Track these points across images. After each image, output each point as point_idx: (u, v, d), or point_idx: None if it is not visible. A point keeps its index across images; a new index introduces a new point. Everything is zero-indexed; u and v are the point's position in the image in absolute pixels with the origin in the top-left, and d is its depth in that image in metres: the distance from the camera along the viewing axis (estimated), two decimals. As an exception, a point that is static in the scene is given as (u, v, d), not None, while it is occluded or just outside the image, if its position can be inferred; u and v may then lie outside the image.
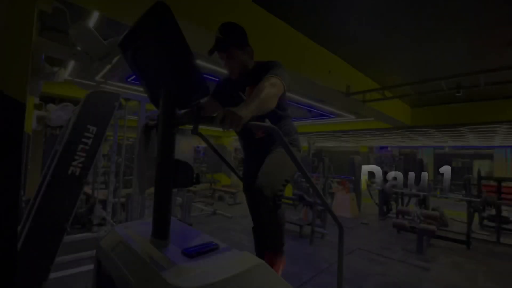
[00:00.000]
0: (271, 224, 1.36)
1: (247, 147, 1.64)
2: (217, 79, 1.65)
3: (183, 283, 0.69)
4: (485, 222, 5.92)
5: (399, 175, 6.36)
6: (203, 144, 17.12)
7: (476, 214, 5.63)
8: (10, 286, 0.88)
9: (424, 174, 5.58)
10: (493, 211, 5.44)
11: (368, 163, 15.49)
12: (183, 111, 1.31)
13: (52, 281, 2.60)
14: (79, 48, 1.71)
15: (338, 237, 1.34)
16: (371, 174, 6.47)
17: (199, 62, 3.63)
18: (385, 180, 7.39)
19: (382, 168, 7.18)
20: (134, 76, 4.54)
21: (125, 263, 0.87)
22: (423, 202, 5.64)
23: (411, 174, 5.74)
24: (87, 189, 5.04)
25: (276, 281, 0.87)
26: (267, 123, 1.04)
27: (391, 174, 6.58)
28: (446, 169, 5.37)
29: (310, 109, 6.73)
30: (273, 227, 1.37)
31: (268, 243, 1.42)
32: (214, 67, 3.79)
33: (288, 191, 8.90)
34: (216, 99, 1.60)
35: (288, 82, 1.35)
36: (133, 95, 3.85)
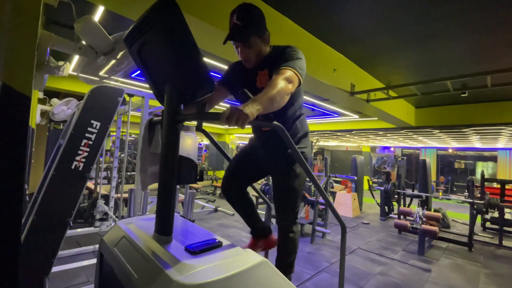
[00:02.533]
0: (287, 247, 1.50)
1: (256, 139, 1.59)
2: (220, 76, 1.61)
3: (186, 280, 0.69)
4: (488, 224, 5.89)
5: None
6: (206, 141, 17.15)
7: (479, 216, 5.60)
8: (13, 279, 0.88)
9: (427, 175, 5.55)
10: (496, 214, 5.41)
11: (370, 163, 15.45)
12: (187, 107, 1.30)
13: (55, 274, 2.63)
14: (84, 43, 1.70)
15: (341, 236, 1.33)
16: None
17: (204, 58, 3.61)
18: (387, 180, 7.38)
19: (384, 168, 7.15)
20: (138, 72, 4.54)
21: (128, 258, 0.87)
22: (425, 203, 5.62)
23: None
24: (89, 184, 5.07)
25: (279, 279, 0.86)
26: (271, 119, 1.04)
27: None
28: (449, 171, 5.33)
29: (313, 107, 6.70)
30: (288, 249, 1.52)
31: (278, 264, 1.51)
32: (217, 64, 3.77)
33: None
34: (225, 86, 1.47)
35: (305, 72, 1.23)
36: (137, 91, 3.84)
